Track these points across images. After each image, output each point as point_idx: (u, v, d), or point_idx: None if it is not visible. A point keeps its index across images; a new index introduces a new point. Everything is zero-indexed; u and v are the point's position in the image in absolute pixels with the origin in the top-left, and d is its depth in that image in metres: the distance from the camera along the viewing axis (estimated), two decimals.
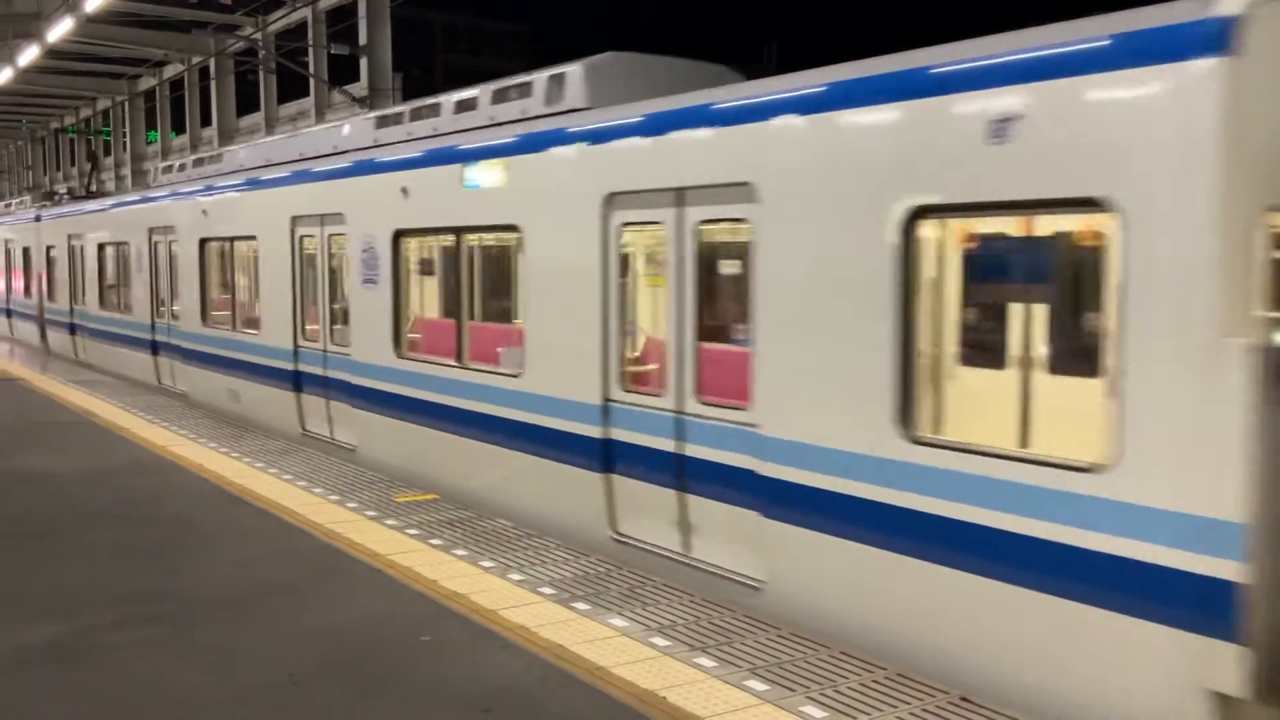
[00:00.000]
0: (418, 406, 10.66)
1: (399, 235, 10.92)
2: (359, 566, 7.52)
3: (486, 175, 9.56)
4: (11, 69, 31.08)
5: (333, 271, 12.53)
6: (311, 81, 31.69)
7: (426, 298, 11.96)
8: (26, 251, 27.30)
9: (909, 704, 5.26)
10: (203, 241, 15.89)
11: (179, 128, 42.80)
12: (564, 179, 8.62)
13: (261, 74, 34.65)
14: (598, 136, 8.36)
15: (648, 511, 7.97)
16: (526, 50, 69.60)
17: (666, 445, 7.75)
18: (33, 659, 5.82)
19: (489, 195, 9.54)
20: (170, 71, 41.32)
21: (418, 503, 9.45)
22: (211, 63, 36.98)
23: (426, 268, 11.87)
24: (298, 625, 6.35)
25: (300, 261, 13.02)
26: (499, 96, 9.92)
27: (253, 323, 14.49)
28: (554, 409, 8.77)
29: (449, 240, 10.44)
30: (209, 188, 15.79)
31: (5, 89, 37.71)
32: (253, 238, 14.23)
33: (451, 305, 10.52)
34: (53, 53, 30.79)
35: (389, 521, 8.72)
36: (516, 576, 7.27)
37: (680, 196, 7.58)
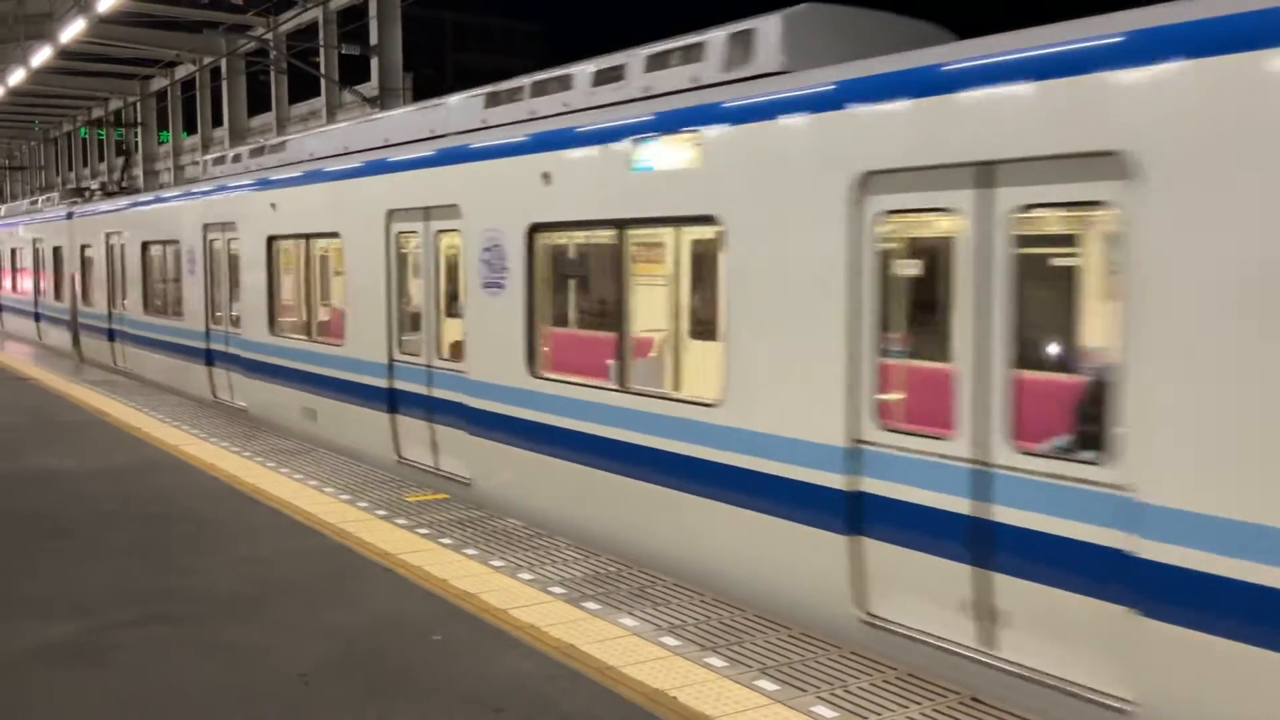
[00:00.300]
0: (562, 438, 8.76)
1: (535, 230, 9.07)
2: (370, 566, 7.55)
3: (668, 155, 7.68)
4: (24, 70, 31.25)
5: (440, 274, 10.63)
6: (322, 81, 31.79)
7: (570, 305, 10.32)
8: (57, 251, 25.30)
9: (920, 704, 5.26)
10: (271, 239, 13.97)
11: (190, 128, 42.98)
12: (789, 156, 6.79)
13: (273, 74, 34.78)
14: (844, 98, 6.46)
15: (921, 590, 6.09)
16: (538, 49, 69.71)
17: (956, 505, 5.86)
18: (48, 657, 5.86)
19: (671, 180, 7.67)
20: (182, 72, 41.51)
21: (428, 502, 9.47)
22: (223, 63, 37.13)
23: (572, 269, 10.18)
24: (309, 624, 6.38)
25: (397, 262, 11.20)
26: (656, 63, 8.23)
27: (335, 332, 12.62)
28: (771, 449, 6.90)
29: (608, 236, 8.52)
30: (279, 180, 13.81)
31: (19, 89, 37.90)
32: (335, 235, 12.35)
33: (611, 315, 8.60)
34: (65, 53, 30.98)
35: (399, 521, 8.75)
36: (527, 576, 7.28)
37: (985, 174, 5.72)
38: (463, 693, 5.39)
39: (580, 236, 9.56)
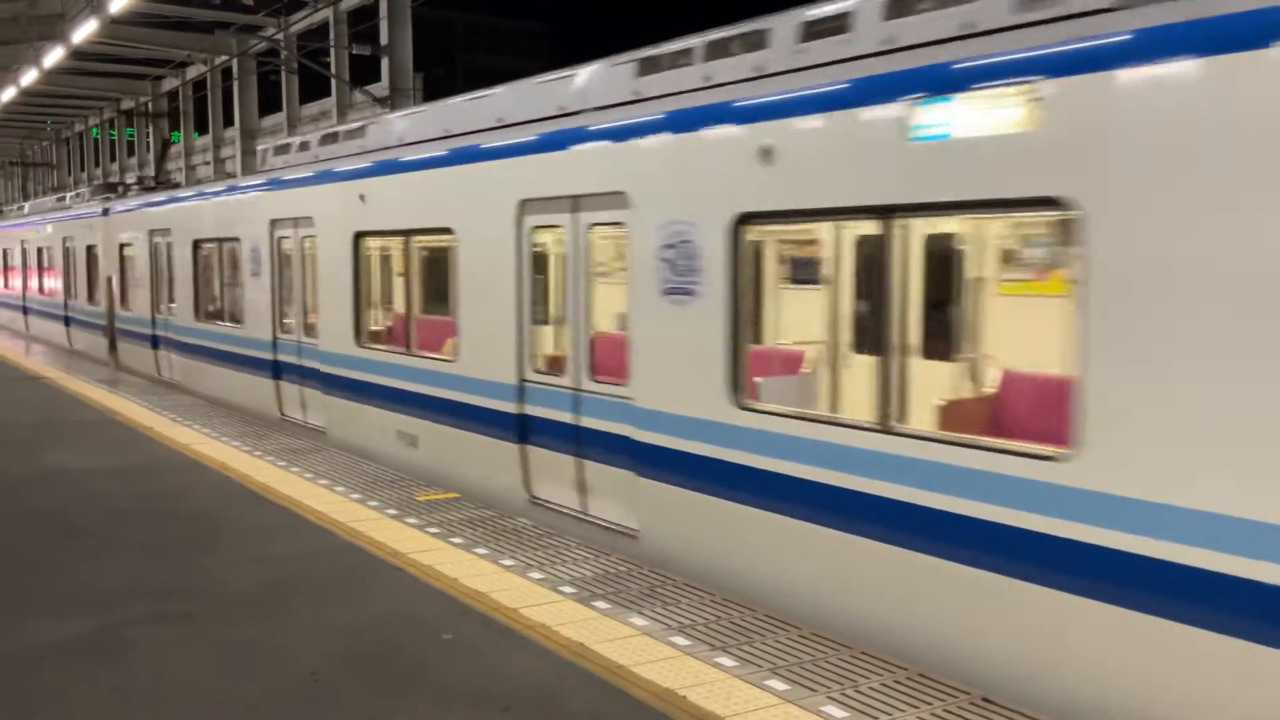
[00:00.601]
0: (787, 490, 6.85)
1: (745, 222, 7.21)
2: (380, 565, 7.56)
3: (981, 118, 5.74)
4: (37, 70, 31.40)
5: (594, 277, 8.83)
6: (333, 81, 31.89)
7: (792, 318, 8.46)
8: (90, 251, 23.26)
9: (930, 704, 5.25)
10: (359, 236, 12.12)
11: (201, 128, 43.17)
12: (1235, 110, 4.75)
13: (284, 74, 34.91)
14: None
15: None
16: (546, 50, 69.81)
17: None
18: (61, 655, 5.88)
19: (982, 151, 5.73)
20: (193, 72, 41.68)
21: (438, 501, 9.48)
22: (234, 63, 37.27)
23: (799, 269, 8.24)
24: (321, 622, 6.39)
25: (529, 263, 9.38)
26: (899, 8, 6.50)
27: (441, 345, 11.02)
28: (1163, 524, 5.00)
29: (868, 228, 6.66)
30: (370, 168, 11.86)
31: (31, 89, 38.08)
32: (446, 231, 10.44)
33: (866, 332, 6.87)
34: (77, 54, 31.11)
35: (410, 520, 8.76)
36: (537, 575, 7.29)
37: None
38: (473, 691, 5.40)
39: (814, 228, 7.55)
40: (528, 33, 78.93)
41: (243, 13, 33.78)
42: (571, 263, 8.86)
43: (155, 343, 19.34)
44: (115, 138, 53.32)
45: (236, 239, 15.48)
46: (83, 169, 58.29)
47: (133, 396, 16.23)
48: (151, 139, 48.26)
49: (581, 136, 8.67)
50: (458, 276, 10.30)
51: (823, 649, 5.98)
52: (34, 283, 29.28)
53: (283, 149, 15.16)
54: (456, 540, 8.15)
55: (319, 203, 12.98)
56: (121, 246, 21.12)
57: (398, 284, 12.15)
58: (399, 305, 12.09)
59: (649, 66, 8.36)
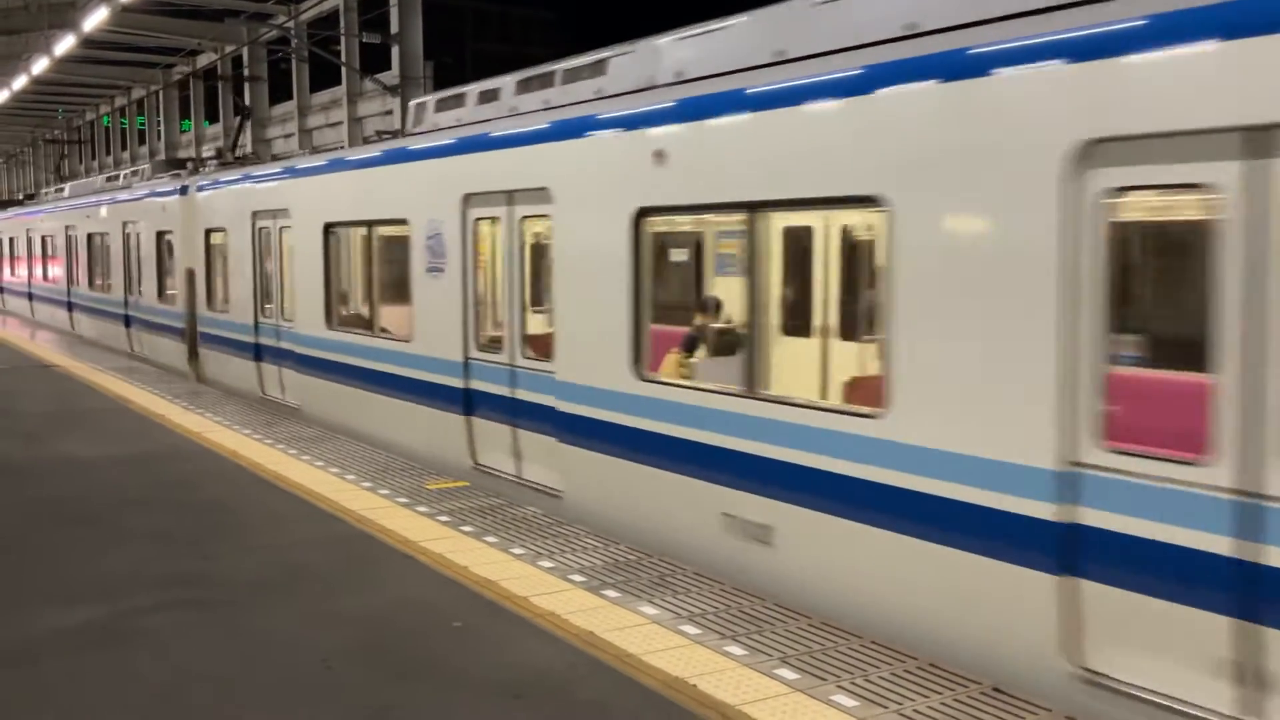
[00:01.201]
0: None
1: None
2: (391, 553, 7.58)
3: None
4: (48, 58, 31.45)
5: None
6: (343, 70, 31.90)
7: None
8: (162, 237, 19.51)
9: (940, 694, 5.25)
10: (642, 215, 8.19)
11: (211, 116, 43.26)
12: None
13: (294, 62, 34.95)
14: None
15: None
16: (556, 38, 69.67)
17: None
18: (71, 642, 5.92)
19: None
20: (204, 60, 41.74)
21: (448, 490, 9.49)
22: (245, 51, 37.32)
23: None
24: (332, 610, 6.41)
25: (1096, 252, 5.21)
26: None
27: (854, 390, 7.64)
28: None
29: None
30: (673, 109, 7.97)
31: (42, 78, 38.16)
32: (864, 200, 6.48)
33: None
34: (88, 42, 31.14)
35: (420, 508, 8.78)
36: (547, 564, 7.30)
37: None
38: (483, 679, 5.42)
39: None
40: (538, 21, 78.79)
41: (253, 1, 33.80)
42: (1232, 250, 4.72)
43: (258, 353, 15.54)
44: (126, 125, 53.43)
45: (402, 221, 11.46)
46: (94, 157, 58.45)
47: (143, 384, 16.25)
48: (162, 127, 48.31)
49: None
50: (892, 275, 6.25)
51: (832, 638, 5.98)
52: (82, 274, 25.03)
53: (451, 101, 11.47)
54: (467, 529, 8.17)
55: (563, 168, 9.09)
56: (208, 233, 17.37)
57: (726, 288, 8.71)
58: (736, 321, 8.25)
59: None
